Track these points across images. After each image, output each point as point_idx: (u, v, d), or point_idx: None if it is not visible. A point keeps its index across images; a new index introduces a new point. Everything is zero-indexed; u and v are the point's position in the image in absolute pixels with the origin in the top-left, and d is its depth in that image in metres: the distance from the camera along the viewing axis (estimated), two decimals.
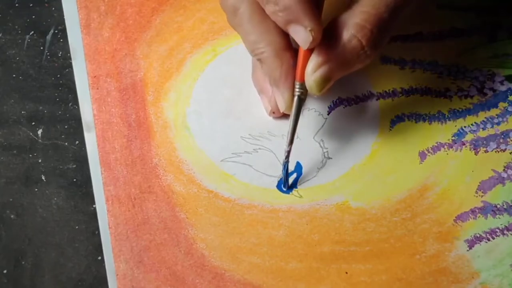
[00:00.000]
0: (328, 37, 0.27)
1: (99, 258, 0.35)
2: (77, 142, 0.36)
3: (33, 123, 0.37)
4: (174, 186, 0.35)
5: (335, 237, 0.34)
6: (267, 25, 0.29)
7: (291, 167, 0.34)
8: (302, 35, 0.27)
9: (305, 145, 0.34)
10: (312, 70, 0.28)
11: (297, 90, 0.30)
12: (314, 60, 0.28)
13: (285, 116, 0.34)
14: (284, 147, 0.32)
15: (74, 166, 0.36)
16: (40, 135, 0.37)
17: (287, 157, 0.33)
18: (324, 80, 0.28)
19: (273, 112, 0.34)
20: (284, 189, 0.34)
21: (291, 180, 0.34)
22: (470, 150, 0.34)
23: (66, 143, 0.36)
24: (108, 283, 0.35)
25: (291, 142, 0.32)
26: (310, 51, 0.28)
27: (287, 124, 0.33)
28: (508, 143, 0.34)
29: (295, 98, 0.30)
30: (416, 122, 0.35)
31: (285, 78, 0.30)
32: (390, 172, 0.34)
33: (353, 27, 0.27)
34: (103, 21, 0.36)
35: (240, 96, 0.35)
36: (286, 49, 0.29)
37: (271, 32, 0.29)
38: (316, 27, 0.26)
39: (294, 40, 0.28)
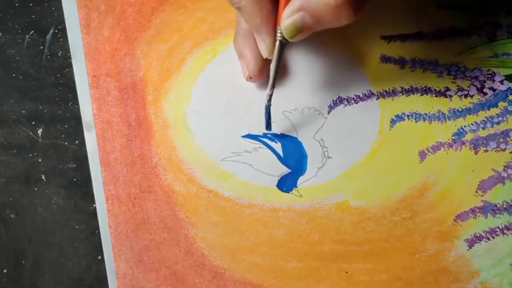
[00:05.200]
0: None
1: (99, 257, 0.35)
2: (77, 141, 0.36)
3: (33, 123, 0.37)
4: (174, 185, 0.35)
5: (335, 237, 0.34)
6: None
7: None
8: None
9: (305, 145, 0.34)
10: (287, 15, 0.28)
11: (278, 34, 0.30)
12: (291, 6, 0.28)
13: (264, 82, 0.34)
14: (267, 90, 0.32)
15: (74, 165, 0.36)
16: (40, 135, 0.37)
17: (269, 100, 0.33)
18: (296, 28, 0.28)
19: (250, 78, 0.34)
20: (269, 135, 0.34)
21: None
22: (470, 149, 0.34)
23: (66, 143, 0.36)
24: (108, 283, 0.35)
25: (272, 86, 0.32)
26: None
27: (287, 123, 0.33)
28: (508, 143, 0.34)
29: (277, 43, 0.30)
30: (416, 122, 0.35)
31: (266, 23, 0.29)
32: (390, 172, 0.34)
33: None
34: (103, 20, 0.36)
35: (240, 96, 0.35)
36: None
37: None
38: None
39: None
